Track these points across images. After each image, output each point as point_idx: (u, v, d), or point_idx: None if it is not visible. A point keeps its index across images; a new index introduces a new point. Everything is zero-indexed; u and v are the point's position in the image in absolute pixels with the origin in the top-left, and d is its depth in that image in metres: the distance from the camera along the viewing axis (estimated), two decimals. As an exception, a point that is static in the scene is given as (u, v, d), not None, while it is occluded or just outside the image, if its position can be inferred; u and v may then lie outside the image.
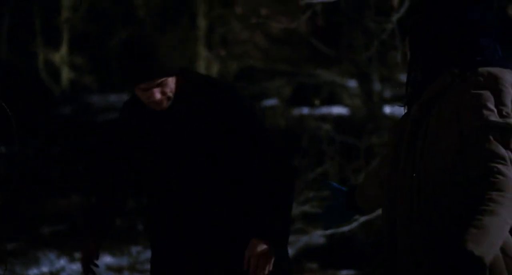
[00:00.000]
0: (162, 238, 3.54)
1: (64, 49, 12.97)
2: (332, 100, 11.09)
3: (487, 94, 2.52)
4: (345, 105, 10.93)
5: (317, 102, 9.64)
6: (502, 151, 2.46)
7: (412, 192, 2.61)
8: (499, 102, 2.52)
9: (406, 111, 2.76)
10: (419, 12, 2.67)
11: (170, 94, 3.38)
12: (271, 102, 11.46)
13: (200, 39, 13.18)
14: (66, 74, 12.98)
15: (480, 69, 2.56)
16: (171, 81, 3.37)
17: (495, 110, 2.51)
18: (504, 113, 2.51)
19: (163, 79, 3.33)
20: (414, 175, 2.60)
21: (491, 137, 2.47)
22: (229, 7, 12.92)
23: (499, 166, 2.44)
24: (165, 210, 3.50)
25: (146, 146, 3.52)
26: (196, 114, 3.42)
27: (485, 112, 2.50)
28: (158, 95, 3.35)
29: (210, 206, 3.43)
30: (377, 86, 9.31)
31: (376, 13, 6.44)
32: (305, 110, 11.07)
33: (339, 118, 10.55)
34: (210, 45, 13.27)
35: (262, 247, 3.24)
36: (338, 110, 11.04)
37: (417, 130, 2.63)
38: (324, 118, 10.45)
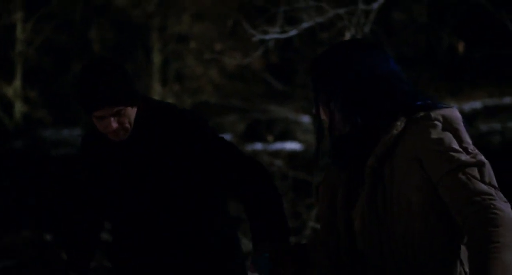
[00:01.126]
0: (128, 269, 3.45)
1: (17, 83, 12.89)
2: (285, 136, 11.15)
3: (448, 135, 2.47)
4: (298, 141, 10.99)
5: (270, 138, 9.68)
6: (485, 187, 2.41)
7: (383, 247, 2.54)
8: (462, 141, 2.48)
9: (334, 164, 2.67)
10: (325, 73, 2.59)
11: (127, 125, 3.24)
12: (224, 137, 11.48)
13: (154, 74, 13.19)
14: (19, 108, 12.89)
15: (433, 113, 2.49)
16: (130, 111, 3.24)
17: (461, 150, 2.48)
18: (470, 150, 2.48)
19: (120, 108, 3.20)
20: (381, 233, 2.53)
21: (470, 177, 2.42)
22: (183, 43, 12.95)
23: (492, 202, 2.39)
24: (129, 241, 3.40)
25: (109, 178, 3.40)
26: (157, 143, 3.30)
27: (455, 154, 2.43)
28: (114, 125, 3.20)
29: (176, 234, 3.34)
30: (330, 122, 9.35)
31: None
32: (259, 146, 11.11)
33: (292, 153, 10.60)
34: (165, 80, 13.28)
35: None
36: (291, 145, 11.09)
37: (377, 182, 2.53)
38: (277, 153, 10.49)
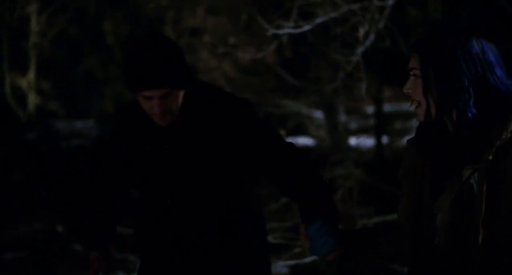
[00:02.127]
0: (158, 263, 3.23)
1: (31, 75, 12.93)
2: (298, 130, 11.15)
3: None
4: (311, 136, 10.98)
5: (283, 132, 9.67)
6: None
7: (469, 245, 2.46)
8: None
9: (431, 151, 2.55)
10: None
11: (175, 109, 3.00)
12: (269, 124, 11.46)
13: (168, 67, 13.23)
14: (32, 100, 12.93)
15: None
16: (178, 95, 2.99)
17: None
18: None
19: (170, 90, 2.94)
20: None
21: None
22: (197, 36, 12.96)
23: None
24: (162, 234, 3.18)
25: (145, 159, 3.13)
26: (203, 128, 3.06)
27: None
28: (161, 107, 2.96)
29: (215, 226, 3.14)
30: (342, 117, 9.37)
31: (342, 46, 6.49)
32: (271, 140, 11.09)
33: (304, 149, 10.60)
34: None
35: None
36: (303, 140, 11.08)
37: (494, 182, 2.43)
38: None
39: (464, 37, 2.50)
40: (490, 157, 2.44)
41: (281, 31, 5.88)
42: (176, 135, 3.08)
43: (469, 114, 2.46)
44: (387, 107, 11.33)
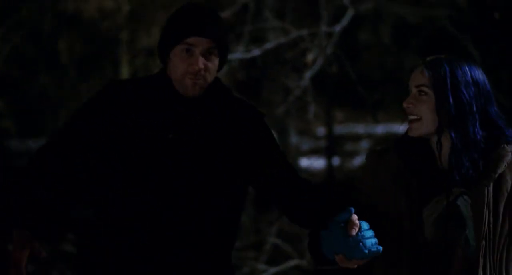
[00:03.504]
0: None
1: (-16, 92, 12.88)
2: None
3: None
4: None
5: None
6: None
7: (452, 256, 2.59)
8: None
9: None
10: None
11: (209, 77, 2.79)
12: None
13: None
14: (-15, 117, 12.87)
15: None
16: (216, 61, 2.81)
17: None
18: None
19: (216, 47, 2.77)
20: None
21: None
22: (152, 56, 13.03)
23: None
24: (156, 232, 2.76)
25: (140, 148, 2.76)
26: (218, 122, 2.84)
27: None
28: (201, 64, 2.75)
29: (215, 227, 2.85)
30: (294, 139, 9.50)
31: (292, 70, 6.63)
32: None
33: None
34: None
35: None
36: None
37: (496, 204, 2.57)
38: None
39: (473, 62, 2.67)
40: (490, 184, 2.59)
41: (232, 56, 5.99)
42: (186, 124, 2.81)
43: (478, 136, 2.60)
44: (338, 129, 11.49)
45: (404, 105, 2.67)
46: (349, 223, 2.56)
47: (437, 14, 8.53)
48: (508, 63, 8.33)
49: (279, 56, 6.41)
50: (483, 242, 2.53)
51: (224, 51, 2.83)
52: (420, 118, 2.62)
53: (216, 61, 2.80)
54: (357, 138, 11.49)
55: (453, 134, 2.59)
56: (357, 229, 2.56)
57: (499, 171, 2.57)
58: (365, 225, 2.59)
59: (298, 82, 5.93)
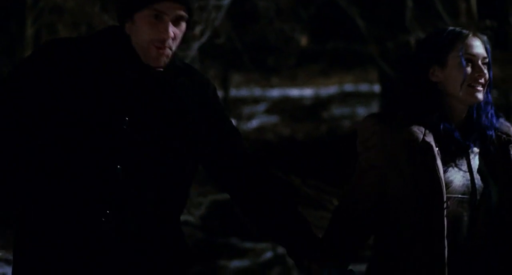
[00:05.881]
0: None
1: None
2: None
3: None
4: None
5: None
6: None
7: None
8: None
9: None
10: None
11: (175, 46, 2.53)
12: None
13: (27, 47, 13.27)
14: None
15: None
16: (183, 31, 2.55)
17: None
18: None
19: (185, 14, 2.51)
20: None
21: None
22: (58, 14, 13.03)
23: None
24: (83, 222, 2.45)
25: (88, 114, 2.45)
26: (178, 98, 2.59)
27: None
28: (172, 33, 2.48)
29: (168, 208, 2.58)
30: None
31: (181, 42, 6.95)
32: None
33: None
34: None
35: None
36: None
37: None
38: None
39: None
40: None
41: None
42: (145, 104, 2.52)
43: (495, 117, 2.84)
44: (234, 92, 11.82)
45: (479, 75, 2.74)
46: None
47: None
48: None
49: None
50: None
51: (191, 17, 2.56)
52: (483, 85, 2.76)
53: (183, 28, 2.53)
54: (254, 101, 11.88)
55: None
56: None
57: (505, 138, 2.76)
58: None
59: (186, 52, 6.25)
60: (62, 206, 2.45)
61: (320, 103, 11.60)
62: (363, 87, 11.79)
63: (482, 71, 2.71)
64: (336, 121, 11.19)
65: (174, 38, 2.49)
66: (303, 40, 10.88)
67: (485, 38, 2.76)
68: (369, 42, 8.76)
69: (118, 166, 2.46)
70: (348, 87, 11.94)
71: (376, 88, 10.81)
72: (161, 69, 2.52)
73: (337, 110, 11.51)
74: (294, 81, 11.40)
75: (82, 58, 2.48)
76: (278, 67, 10.66)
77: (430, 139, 2.66)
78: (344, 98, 11.74)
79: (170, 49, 2.50)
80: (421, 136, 2.65)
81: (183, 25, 2.52)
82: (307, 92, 11.76)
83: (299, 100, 11.65)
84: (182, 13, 2.49)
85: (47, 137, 2.45)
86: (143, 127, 2.50)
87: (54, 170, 2.45)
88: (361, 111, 10.89)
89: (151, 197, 2.52)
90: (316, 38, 11.38)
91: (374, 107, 10.76)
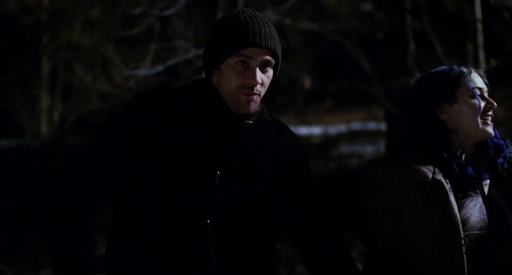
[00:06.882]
0: None
1: None
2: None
3: None
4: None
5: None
6: None
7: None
8: None
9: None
10: None
11: (263, 92, 2.51)
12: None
13: (43, 82, 13.36)
14: None
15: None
16: (270, 76, 2.52)
17: None
18: None
19: (272, 60, 2.49)
20: None
21: None
22: (73, 51, 13.13)
23: None
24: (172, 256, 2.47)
25: (179, 165, 2.45)
26: (268, 152, 2.56)
27: None
28: (259, 78, 2.46)
29: (253, 261, 2.56)
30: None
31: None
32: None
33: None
34: (53, 88, 13.45)
35: None
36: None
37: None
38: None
39: None
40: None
41: (137, 73, 6.51)
42: (233, 147, 2.51)
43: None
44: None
45: (490, 107, 2.75)
46: None
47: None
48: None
49: (179, 72, 6.93)
50: None
51: (278, 63, 2.54)
52: (492, 119, 2.78)
53: (271, 73, 2.51)
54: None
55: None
56: None
57: None
58: None
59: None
60: (152, 258, 2.45)
61: (328, 141, 11.70)
62: (371, 126, 11.93)
63: (492, 102, 2.72)
64: (344, 159, 11.28)
65: (262, 84, 2.48)
66: (307, 83, 11.01)
67: (482, 72, 2.78)
68: (374, 82, 8.92)
69: (208, 221, 2.44)
70: (356, 125, 12.06)
71: (383, 126, 10.96)
72: (251, 121, 2.52)
73: (345, 148, 11.61)
74: (302, 120, 11.53)
75: (175, 110, 2.48)
76: (286, 106, 10.77)
77: (440, 177, 2.66)
78: (352, 136, 11.84)
79: (259, 95, 2.50)
80: (431, 175, 2.65)
81: (270, 71, 2.51)
82: (316, 130, 11.89)
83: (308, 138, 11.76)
84: (268, 58, 2.49)
85: (138, 185, 2.45)
86: (233, 181, 2.48)
87: (142, 224, 2.45)
88: (369, 150, 11.00)
89: (240, 254, 2.50)
90: (321, 78, 11.51)
91: (381, 145, 10.89)
